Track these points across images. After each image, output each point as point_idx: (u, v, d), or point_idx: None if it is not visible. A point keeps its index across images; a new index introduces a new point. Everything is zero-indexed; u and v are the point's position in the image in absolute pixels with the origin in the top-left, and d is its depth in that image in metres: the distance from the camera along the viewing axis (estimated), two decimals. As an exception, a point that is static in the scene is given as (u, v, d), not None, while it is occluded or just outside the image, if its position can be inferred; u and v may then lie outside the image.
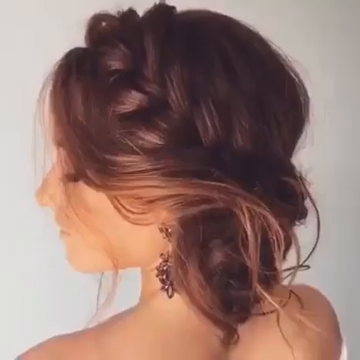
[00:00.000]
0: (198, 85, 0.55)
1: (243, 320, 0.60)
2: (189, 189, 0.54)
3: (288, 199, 0.57)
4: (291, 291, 0.63)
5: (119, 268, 0.61)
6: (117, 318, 0.63)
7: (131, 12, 0.60)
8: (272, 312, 0.59)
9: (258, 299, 0.58)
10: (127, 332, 0.60)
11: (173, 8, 0.60)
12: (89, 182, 0.57)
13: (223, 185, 0.54)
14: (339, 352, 0.76)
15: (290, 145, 0.61)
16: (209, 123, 0.54)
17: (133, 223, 0.57)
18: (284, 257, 0.59)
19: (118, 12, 0.60)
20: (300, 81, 0.63)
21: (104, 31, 0.59)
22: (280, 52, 0.62)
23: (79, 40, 0.61)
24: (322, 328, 0.69)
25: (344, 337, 0.77)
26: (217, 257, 0.56)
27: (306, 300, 0.67)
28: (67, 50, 0.60)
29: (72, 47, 0.60)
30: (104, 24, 0.59)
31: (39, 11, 1.23)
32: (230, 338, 0.60)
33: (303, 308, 0.64)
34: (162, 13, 0.59)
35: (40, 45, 1.19)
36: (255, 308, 0.60)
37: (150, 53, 0.55)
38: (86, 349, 0.59)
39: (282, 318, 0.61)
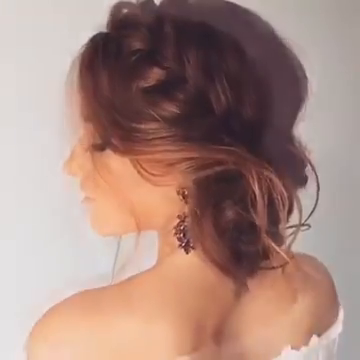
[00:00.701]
0: (212, 63, 0.62)
1: (252, 273, 0.66)
2: (202, 153, 0.61)
3: (291, 164, 0.65)
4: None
5: (140, 229, 0.67)
6: (137, 275, 0.68)
7: (149, 1, 0.67)
8: (280, 266, 0.67)
9: (267, 255, 0.65)
10: (150, 285, 0.66)
11: None
12: (115, 149, 0.64)
13: (233, 149, 0.61)
14: (336, 314, 0.83)
15: (291, 117, 0.69)
16: (222, 95, 0.62)
17: (154, 185, 0.64)
18: (287, 219, 0.67)
19: (137, 1, 0.67)
20: (299, 63, 0.70)
21: (125, 17, 0.66)
22: (283, 37, 0.70)
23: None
24: (321, 289, 0.77)
25: (341, 302, 0.84)
26: (229, 215, 0.63)
27: (306, 265, 0.75)
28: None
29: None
30: (125, 11, 0.67)
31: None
32: (240, 289, 0.67)
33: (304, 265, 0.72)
34: (178, 1, 0.66)
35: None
36: (264, 264, 0.66)
37: (169, 35, 0.62)
38: (114, 297, 0.65)
39: (287, 276, 0.68)
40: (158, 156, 0.62)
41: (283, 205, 0.63)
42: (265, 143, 0.64)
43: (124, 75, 0.62)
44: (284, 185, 0.63)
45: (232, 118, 0.62)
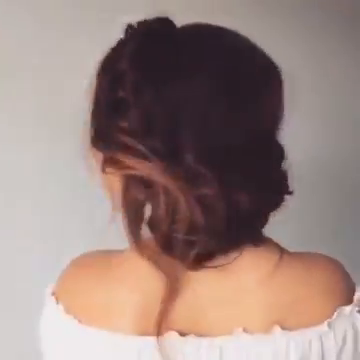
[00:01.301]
0: (155, 110, 0.74)
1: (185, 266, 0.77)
2: (129, 161, 0.74)
3: (201, 184, 0.74)
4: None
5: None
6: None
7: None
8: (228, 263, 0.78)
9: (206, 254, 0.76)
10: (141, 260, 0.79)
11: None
12: (92, 144, 0.80)
13: (150, 165, 0.73)
14: (327, 315, 0.81)
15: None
16: (153, 123, 0.74)
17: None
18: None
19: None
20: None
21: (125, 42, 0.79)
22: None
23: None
24: (307, 287, 0.81)
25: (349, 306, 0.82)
26: (141, 215, 0.77)
27: (305, 261, 0.82)
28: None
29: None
30: (124, 37, 0.80)
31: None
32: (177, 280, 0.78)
33: (280, 263, 0.79)
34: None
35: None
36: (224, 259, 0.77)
37: (134, 64, 0.75)
38: (116, 267, 0.82)
39: (256, 269, 0.79)
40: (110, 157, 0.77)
41: (184, 217, 0.73)
42: (182, 163, 0.73)
43: (106, 90, 0.77)
44: (187, 200, 0.73)
45: (155, 140, 0.73)
